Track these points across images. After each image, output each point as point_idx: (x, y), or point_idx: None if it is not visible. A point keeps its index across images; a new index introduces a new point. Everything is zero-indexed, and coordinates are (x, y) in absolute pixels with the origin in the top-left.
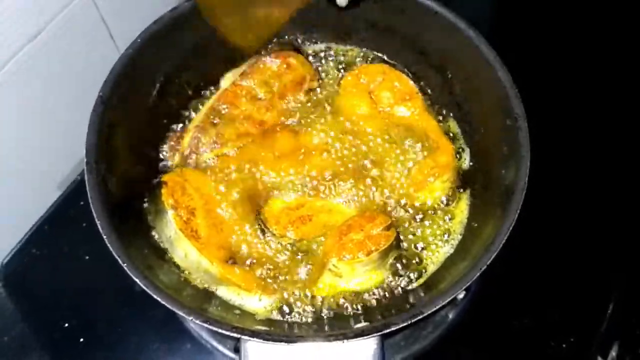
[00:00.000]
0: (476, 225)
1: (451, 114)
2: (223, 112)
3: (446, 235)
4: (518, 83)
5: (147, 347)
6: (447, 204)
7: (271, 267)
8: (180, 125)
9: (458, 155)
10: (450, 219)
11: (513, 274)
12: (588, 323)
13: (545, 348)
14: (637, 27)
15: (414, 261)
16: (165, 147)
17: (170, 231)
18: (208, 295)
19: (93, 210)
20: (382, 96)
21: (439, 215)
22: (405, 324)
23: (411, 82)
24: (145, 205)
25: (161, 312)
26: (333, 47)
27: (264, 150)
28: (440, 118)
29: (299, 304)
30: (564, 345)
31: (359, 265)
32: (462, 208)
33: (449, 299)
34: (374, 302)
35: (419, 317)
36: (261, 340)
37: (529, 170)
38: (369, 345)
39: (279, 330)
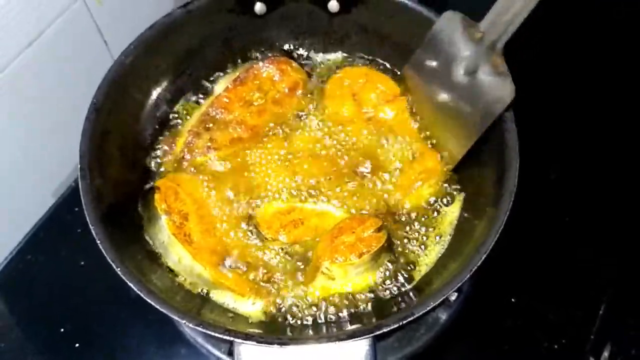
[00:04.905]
0: (467, 226)
1: None
2: (217, 117)
3: (437, 237)
4: None
5: (142, 351)
6: (438, 206)
7: (264, 270)
8: (174, 130)
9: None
10: (440, 221)
11: (505, 275)
12: (580, 324)
13: (538, 349)
14: (631, 30)
15: (405, 262)
16: (159, 152)
17: (163, 236)
18: (202, 299)
19: (87, 216)
20: (365, 98)
21: (429, 217)
22: (396, 326)
23: (394, 83)
24: (139, 210)
25: (156, 317)
26: (325, 52)
27: (256, 155)
28: None
29: (292, 306)
30: (556, 346)
31: (351, 267)
32: (453, 209)
33: (440, 300)
34: (366, 303)
35: (410, 319)
36: (254, 343)
37: (519, 172)
38: (361, 346)
39: (272, 333)
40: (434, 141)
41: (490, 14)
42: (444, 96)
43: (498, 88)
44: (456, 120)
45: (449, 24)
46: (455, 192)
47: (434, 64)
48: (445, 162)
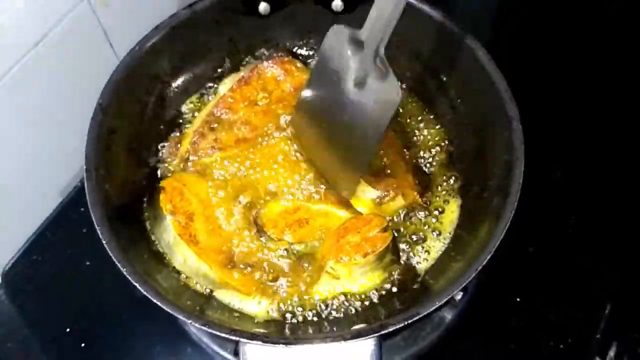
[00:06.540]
0: (472, 226)
1: (447, 117)
2: (221, 117)
3: (443, 237)
4: (513, 86)
5: (148, 351)
6: (443, 206)
7: (270, 270)
8: (179, 130)
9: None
10: (446, 221)
11: (510, 274)
12: (586, 323)
13: (544, 348)
14: (632, 34)
15: (410, 262)
16: (164, 152)
17: (169, 236)
18: (207, 299)
19: (93, 216)
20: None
21: (435, 217)
22: (402, 325)
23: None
24: (145, 210)
25: (162, 317)
26: None
27: (261, 154)
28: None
29: (297, 306)
30: (561, 346)
31: (356, 267)
32: (456, 209)
33: (445, 300)
34: (371, 303)
35: (415, 318)
36: (260, 343)
37: (524, 172)
38: (366, 346)
39: (277, 333)
40: (328, 179)
41: (368, 21)
42: (338, 116)
43: (385, 92)
44: (351, 140)
45: (336, 39)
46: (459, 192)
47: (326, 83)
48: (346, 193)
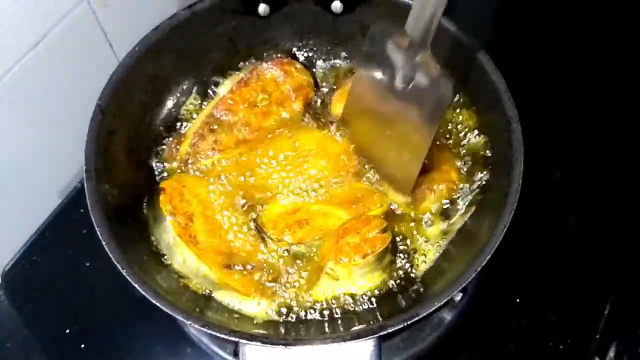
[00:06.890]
0: (471, 227)
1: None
2: (221, 118)
3: (442, 237)
4: (513, 86)
5: (147, 352)
6: (443, 207)
7: (269, 271)
8: (179, 132)
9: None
10: (445, 221)
11: (510, 275)
12: (586, 324)
13: (543, 349)
14: (632, 34)
15: (410, 263)
16: (164, 153)
17: (168, 237)
18: (207, 300)
19: (92, 217)
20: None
21: (434, 218)
22: (401, 326)
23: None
24: (144, 211)
25: (161, 317)
26: (330, 53)
27: (261, 156)
28: None
29: (296, 307)
30: (561, 346)
31: (356, 268)
32: (457, 208)
33: (445, 300)
34: (371, 304)
35: (415, 319)
36: (259, 344)
37: (524, 172)
38: (366, 347)
39: (277, 334)
40: (383, 177)
41: (410, 17)
42: (388, 116)
43: (437, 89)
44: (403, 138)
45: (378, 39)
46: (459, 192)
47: (373, 84)
48: (401, 192)
